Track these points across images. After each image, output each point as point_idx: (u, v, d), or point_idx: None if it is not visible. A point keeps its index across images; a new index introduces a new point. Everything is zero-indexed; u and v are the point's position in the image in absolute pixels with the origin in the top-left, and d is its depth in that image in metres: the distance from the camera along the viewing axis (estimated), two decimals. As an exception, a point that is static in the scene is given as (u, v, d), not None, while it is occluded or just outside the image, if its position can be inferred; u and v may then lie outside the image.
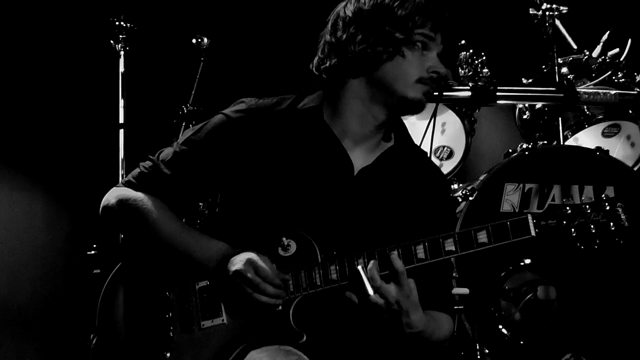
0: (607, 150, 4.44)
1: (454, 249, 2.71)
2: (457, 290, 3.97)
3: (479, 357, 3.99)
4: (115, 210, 2.94)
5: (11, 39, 5.67)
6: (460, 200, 4.36)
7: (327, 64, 2.89)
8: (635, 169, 5.02)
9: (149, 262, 2.92)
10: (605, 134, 5.11)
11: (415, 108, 2.88)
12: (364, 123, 2.90)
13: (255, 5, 6.07)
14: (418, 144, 3.30)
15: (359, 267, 2.68)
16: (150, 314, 2.88)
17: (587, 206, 2.73)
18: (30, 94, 5.78)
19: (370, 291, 2.64)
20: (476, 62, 4.77)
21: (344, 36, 2.85)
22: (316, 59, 2.95)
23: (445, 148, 5.12)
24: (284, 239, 2.80)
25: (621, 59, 4.95)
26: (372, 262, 2.67)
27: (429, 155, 3.32)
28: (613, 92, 4.71)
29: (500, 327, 3.98)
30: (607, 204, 2.73)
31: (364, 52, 2.82)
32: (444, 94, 4.50)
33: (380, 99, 2.87)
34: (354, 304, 2.68)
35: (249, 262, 2.72)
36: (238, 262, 2.73)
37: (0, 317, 5.66)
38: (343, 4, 2.92)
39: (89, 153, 5.80)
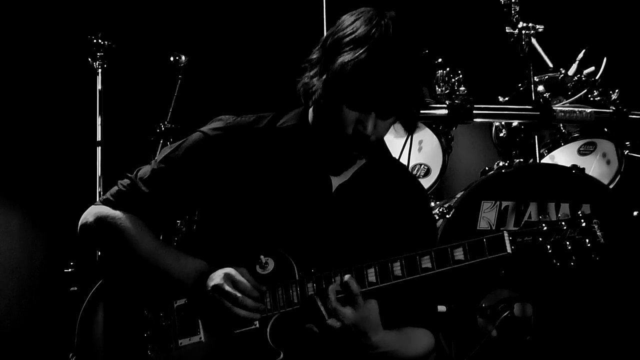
0: (583, 168, 4.46)
1: (430, 266, 2.72)
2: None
3: (456, 374, 3.99)
4: (94, 229, 2.94)
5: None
6: (437, 218, 4.37)
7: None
8: (611, 186, 5.04)
9: (128, 281, 2.92)
10: (581, 152, 5.13)
11: None
12: None
13: (232, 23, 6.08)
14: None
15: (313, 293, 2.69)
16: (128, 333, 2.87)
17: (563, 223, 2.75)
18: (6, 112, 5.76)
19: (326, 315, 2.64)
20: (453, 80, 4.79)
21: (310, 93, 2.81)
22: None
23: (422, 166, 5.12)
24: (262, 256, 2.80)
25: (597, 77, 4.98)
26: (330, 286, 2.68)
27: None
28: (589, 110, 4.74)
29: None
30: (583, 220, 2.74)
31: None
32: (421, 111, 4.51)
33: None
34: (314, 332, 2.68)
35: (227, 276, 2.73)
36: (216, 277, 2.74)
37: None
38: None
39: (66, 170, 5.79)
